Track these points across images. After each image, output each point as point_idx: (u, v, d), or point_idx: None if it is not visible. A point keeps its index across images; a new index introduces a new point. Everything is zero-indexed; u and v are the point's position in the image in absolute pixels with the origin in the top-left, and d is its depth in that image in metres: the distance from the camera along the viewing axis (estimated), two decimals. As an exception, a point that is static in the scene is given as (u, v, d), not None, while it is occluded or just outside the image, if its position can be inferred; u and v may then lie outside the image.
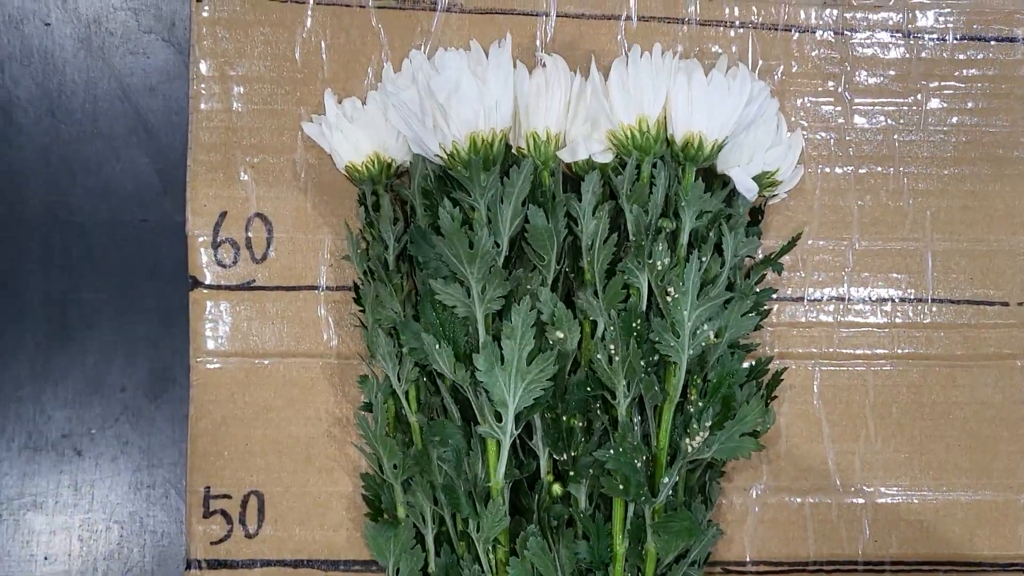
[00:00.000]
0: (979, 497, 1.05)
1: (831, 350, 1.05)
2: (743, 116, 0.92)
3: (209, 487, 1.02)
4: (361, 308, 0.99)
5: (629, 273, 0.91)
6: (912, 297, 1.05)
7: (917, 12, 1.05)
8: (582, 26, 1.03)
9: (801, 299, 1.05)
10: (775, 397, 1.02)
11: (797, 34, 1.05)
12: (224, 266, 1.02)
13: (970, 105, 1.06)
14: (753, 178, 0.95)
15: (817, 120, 1.05)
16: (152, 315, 1.06)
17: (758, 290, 1.00)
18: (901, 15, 1.05)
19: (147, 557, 1.05)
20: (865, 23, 1.05)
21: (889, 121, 1.05)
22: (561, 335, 0.91)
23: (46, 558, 1.05)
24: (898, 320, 1.05)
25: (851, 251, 1.05)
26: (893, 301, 1.05)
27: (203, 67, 1.03)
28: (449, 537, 0.96)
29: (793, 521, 1.04)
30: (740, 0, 1.04)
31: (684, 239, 0.92)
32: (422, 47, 1.02)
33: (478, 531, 0.91)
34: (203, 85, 1.03)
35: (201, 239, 1.02)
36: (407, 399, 0.96)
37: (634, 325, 0.91)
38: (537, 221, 0.91)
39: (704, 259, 0.91)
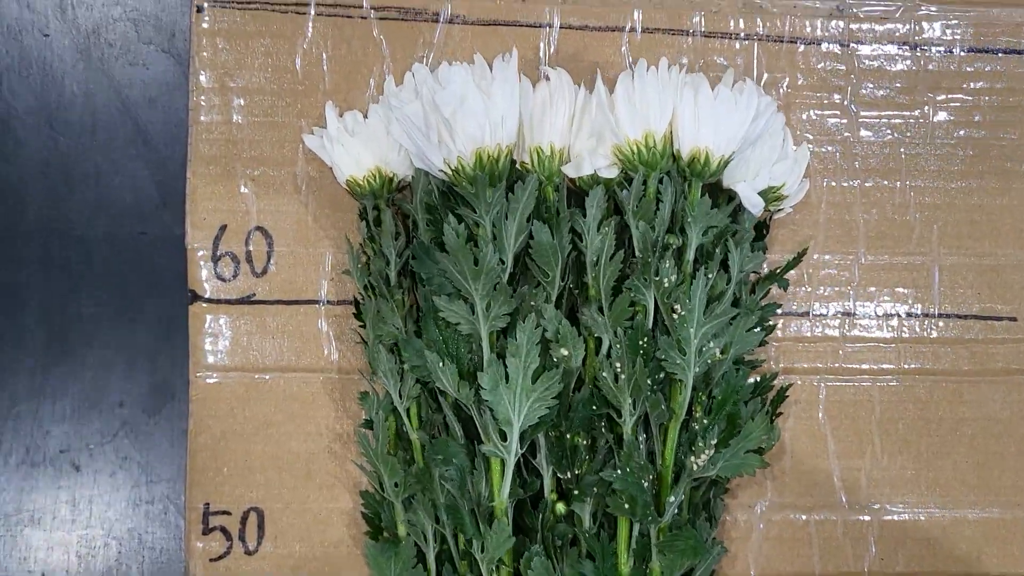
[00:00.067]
0: (987, 514, 1.04)
1: (837, 365, 1.04)
2: (750, 131, 0.91)
3: (208, 503, 1.01)
4: (362, 324, 0.98)
5: (636, 290, 0.90)
6: (919, 312, 1.04)
7: (924, 24, 1.04)
8: (586, 38, 1.02)
9: (806, 314, 1.04)
10: (780, 414, 1.01)
11: (803, 46, 1.04)
12: (224, 280, 1.01)
13: (977, 118, 1.05)
14: (759, 193, 0.95)
15: (823, 133, 1.04)
16: (151, 329, 1.05)
17: (763, 305, 0.98)
18: (908, 27, 1.04)
19: (145, 574, 1.04)
20: (871, 35, 1.04)
21: (896, 134, 1.04)
22: (566, 352, 0.90)
23: (43, 575, 1.04)
24: (905, 335, 1.04)
25: (857, 265, 1.04)
26: (899, 316, 1.04)
27: (203, 78, 1.01)
28: (451, 556, 0.95)
29: (798, 538, 1.03)
30: (745, 12, 1.03)
31: (690, 255, 0.92)
32: (424, 58, 1.02)
33: (482, 551, 0.90)
34: (203, 97, 1.02)
35: (201, 252, 1.01)
36: (408, 416, 0.95)
37: (641, 343, 0.90)
38: (542, 237, 0.90)
39: (710, 276, 0.90)
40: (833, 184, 1.04)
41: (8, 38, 1.05)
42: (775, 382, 1.00)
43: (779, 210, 1.00)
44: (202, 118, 1.01)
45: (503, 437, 0.89)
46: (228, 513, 1.01)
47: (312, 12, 1.02)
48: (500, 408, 0.88)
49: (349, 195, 0.99)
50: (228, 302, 1.01)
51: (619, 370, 0.89)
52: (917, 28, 1.04)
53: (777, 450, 1.03)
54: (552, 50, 1.02)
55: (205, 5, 1.01)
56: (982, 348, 1.04)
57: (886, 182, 1.04)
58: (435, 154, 0.91)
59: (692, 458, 0.91)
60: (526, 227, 0.91)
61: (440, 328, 0.92)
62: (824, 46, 1.04)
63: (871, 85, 1.04)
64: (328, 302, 1.02)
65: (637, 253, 0.91)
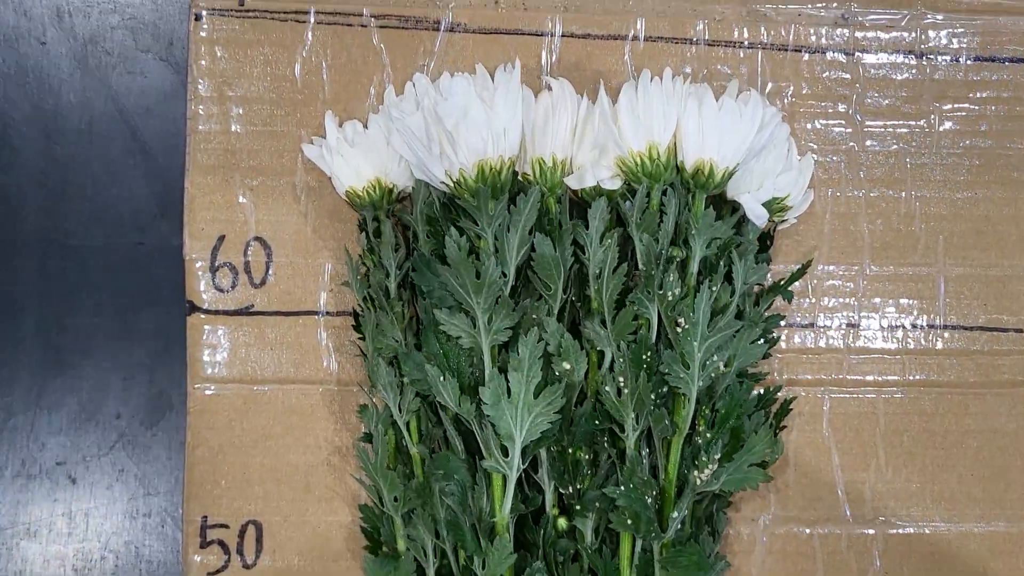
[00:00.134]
0: (992, 528, 1.03)
1: (841, 377, 1.03)
2: (755, 143, 0.91)
3: (206, 516, 1.00)
4: (361, 336, 0.97)
5: (639, 304, 0.90)
6: (924, 323, 1.03)
7: (930, 32, 1.03)
8: (588, 46, 1.02)
9: (810, 325, 1.03)
10: (784, 427, 1.00)
11: (807, 55, 1.03)
12: (222, 291, 1.00)
13: (984, 127, 1.04)
14: (763, 204, 0.94)
15: (827, 142, 1.03)
16: (148, 340, 1.05)
17: (767, 317, 0.98)
18: (913, 35, 1.03)
19: (143, 588, 1.04)
20: (877, 44, 1.03)
21: (901, 144, 1.04)
22: (568, 366, 0.89)
23: (39, 588, 1.03)
24: (910, 347, 1.03)
25: (862, 276, 1.03)
26: (904, 327, 1.03)
27: (201, 87, 1.01)
28: (451, 572, 0.94)
29: (802, 552, 1.02)
30: (749, 21, 1.02)
31: (694, 268, 0.91)
32: (425, 67, 1.01)
33: (483, 568, 0.89)
34: (201, 106, 1.01)
35: (199, 263, 1.00)
36: (408, 430, 0.95)
37: (644, 357, 0.89)
38: (544, 250, 0.89)
39: (714, 288, 0.90)
40: (838, 194, 1.03)
41: (4, 46, 1.04)
42: (779, 394, 0.99)
43: (783, 221, 0.99)
44: (200, 127, 1.00)
45: (504, 452, 0.88)
46: (226, 526, 1.00)
47: (312, 20, 1.01)
48: (502, 423, 0.87)
49: (348, 206, 0.98)
50: (226, 313, 1.00)
51: (622, 384, 0.89)
52: (923, 37, 1.03)
53: (781, 463, 1.02)
54: (554, 59, 1.01)
55: (204, 13, 1.00)
56: (988, 360, 1.03)
57: (891, 192, 1.03)
58: (436, 166, 0.90)
59: (695, 472, 0.90)
60: (528, 239, 0.90)
61: (441, 341, 0.91)
62: (829, 55, 1.03)
63: (876, 94, 1.03)
64: (327, 313, 1.01)
65: (640, 266, 0.90)
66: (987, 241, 1.03)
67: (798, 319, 1.03)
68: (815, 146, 1.03)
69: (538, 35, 1.02)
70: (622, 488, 0.88)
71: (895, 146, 1.03)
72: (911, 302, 1.03)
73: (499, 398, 0.87)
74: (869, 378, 1.03)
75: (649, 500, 0.88)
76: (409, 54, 1.01)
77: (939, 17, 1.03)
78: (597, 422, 0.90)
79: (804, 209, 1.00)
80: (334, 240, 1.01)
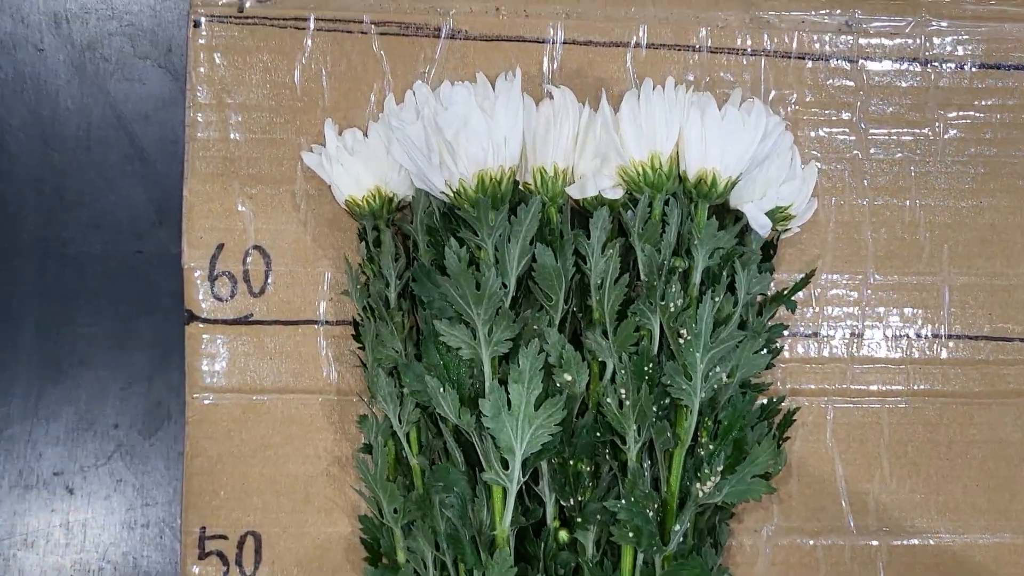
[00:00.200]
0: (998, 539, 1.02)
1: (845, 387, 1.02)
2: (758, 152, 0.90)
3: (205, 527, 0.99)
4: (361, 346, 0.96)
5: (641, 315, 0.89)
6: (928, 333, 1.03)
7: (934, 39, 1.03)
8: (590, 53, 1.01)
9: (814, 335, 1.02)
10: (787, 438, 0.99)
11: (811, 62, 1.02)
12: (221, 299, 1.00)
13: (989, 135, 1.03)
14: (766, 213, 0.93)
15: (831, 150, 1.02)
16: (147, 350, 1.04)
17: (770, 327, 0.97)
18: (918, 42, 1.03)
19: (141, 599, 1.03)
20: (881, 51, 1.02)
21: (905, 152, 1.03)
22: (569, 378, 0.89)
23: (37, 599, 1.03)
24: (914, 356, 1.02)
25: (866, 285, 1.02)
26: (909, 337, 1.02)
27: (200, 94, 1.00)
28: (452, 583, 0.93)
29: (805, 563, 1.01)
30: (752, 27, 1.01)
31: (696, 278, 0.90)
32: (425, 75, 1.00)
33: (483, 580, 0.89)
34: (200, 113, 1.00)
35: (197, 272, 0.99)
36: (408, 441, 0.94)
37: (646, 369, 0.88)
38: (545, 260, 0.89)
39: (717, 299, 0.89)
40: (842, 203, 1.02)
41: (1, 53, 1.04)
42: (782, 405, 0.98)
43: (787, 230, 0.98)
44: (199, 135, 1.00)
45: (505, 465, 0.87)
46: (225, 537, 0.99)
47: (311, 27, 1.00)
48: (502, 435, 0.86)
49: (348, 215, 0.98)
50: (225, 322, 1.00)
51: (624, 396, 0.88)
52: (927, 44, 1.03)
53: (784, 473, 1.01)
54: (556, 66, 1.01)
55: (202, 20, 0.99)
56: (993, 370, 1.02)
57: (895, 200, 1.02)
58: (436, 176, 0.89)
59: (698, 485, 0.89)
60: (529, 250, 0.89)
61: (441, 352, 0.90)
62: (832, 62, 1.02)
63: (880, 102, 1.03)
64: (327, 322, 1.00)
65: (642, 277, 0.89)
66: (992, 250, 1.03)
67: (801, 328, 1.02)
68: (819, 154, 1.02)
69: (540, 42, 1.01)
70: (623, 501, 0.87)
71: (899, 154, 1.03)
72: (915, 311, 1.03)
73: (499, 410, 0.86)
74: (873, 388, 1.02)
75: (651, 513, 0.88)
76: (409, 61, 1.00)
77: (944, 24, 1.03)
78: (599, 434, 0.90)
79: (808, 218, 0.99)
80: (334, 249, 1.00)
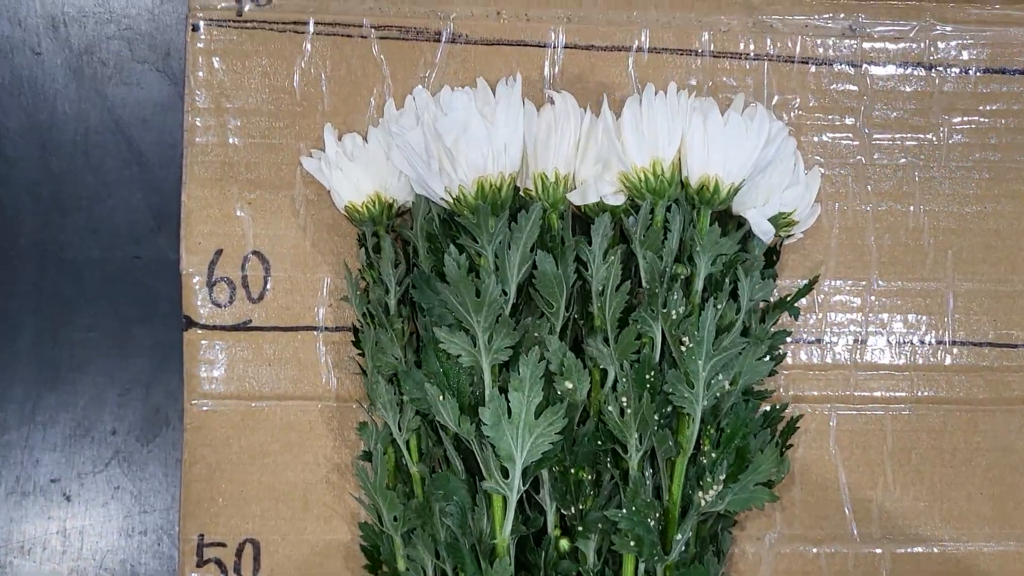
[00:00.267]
0: (1003, 548, 1.01)
1: (848, 393, 1.01)
2: (761, 158, 0.89)
3: (203, 535, 0.99)
4: (360, 352, 0.96)
5: (643, 322, 0.88)
6: (932, 339, 1.02)
7: (939, 44, 1.02)
8: (592, 58, 1.00)
9: (817, 341, 1.01)
10: (791, 446, 0.99)
11: (814, 67, 1.01)
12: (219, 305, 0.99)
13: (993, 140, 1.02)
14: (769, 219, 0.92)
15: (834, 156, 1.02)
16: (145, 356, 1.04)
17: (773, 333, 0.96)
18: (922, 47, 1.02)
19: (138, 607, 1.03)
20: (885, 55, 1.02)
21: (909, 157, 1.02)
22: (570, 385, 0.88)
23: (34, 607, 1.02)
24: (918, 363, 1.02)
25: (869, 292, 1.02)
26: (912, 343, 1.02)
27: (198, 99, 0.99)
28: (452, 593, 0.93)
29: (808, 571, 1.01)
30: (755, 32, 1.01)
31: (699, 285, 0.89)
32: (426, 79, 0.99)
33: (483, 590, 0.88)
34: (198, 117, 0.99)
35: (196, 278, 0.99)
36: (408, 449, 0.93)
37: (647, 377, 0.87)
38: (546, 267, 0.88)
39: (719, 306, 0.88)
40: (845, 208, 1.02)
41: (-2, 57, 1.03)
42: (785, 412, 0.98)
43: (789, 236, 0.98)
44: (197, 139, 0.99)
45: (505, 474, 0.87)
46: (223, 545, 0.99)
47: (311, 31, 1.00)
48: (502, 444, 0.85)
49: (348, 220, 0.97)
50: (224, 328, 0.99)
51: (625, 404, 0.87)
52: (931, 48, 1.02)
53: (786, 481, 1.00)
54: (557, 70, 1.00)
55: (201, 24, 0.99)
56: (998, 376, 1.02)
57: (899, 206, 1.02)
58: (436, 182, 0.89)
59: (700, 493, 0.89)
60: (529, 257, 0.88)
61: (441, 359, 0.89)
62: (836, 66, 1.02)
63: (884, 107, 1.02)
64: (326, 328, 1.00)
65: (644, 284, 0.89)
66: (997, 256, 1.02)
67: (804, 335, 1.01)
68: (822, 159, 1.01)
69: (541, 46, 1.00)
70: (624, 510, 0.87)
71: (903, 159, 1.02)
72: (919, 317, 1.02)
73: (499, 418, 0.85)
74: (877, 394, 1.02)
75: (652, 522, 0.87)
76: (410, 66, 1.00)
77: (948, 28, 1.02)
78: (600, 442, 0.89)
79: (811, 224, 0.98)
80: (333, 254, 0.99)
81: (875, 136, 1.02)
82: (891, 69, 1.02)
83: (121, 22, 1.03)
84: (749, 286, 0.90)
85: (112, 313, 1.03)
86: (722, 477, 0.89)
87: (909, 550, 1.01)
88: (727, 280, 0.90)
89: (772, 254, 0.98)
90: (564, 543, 0.91)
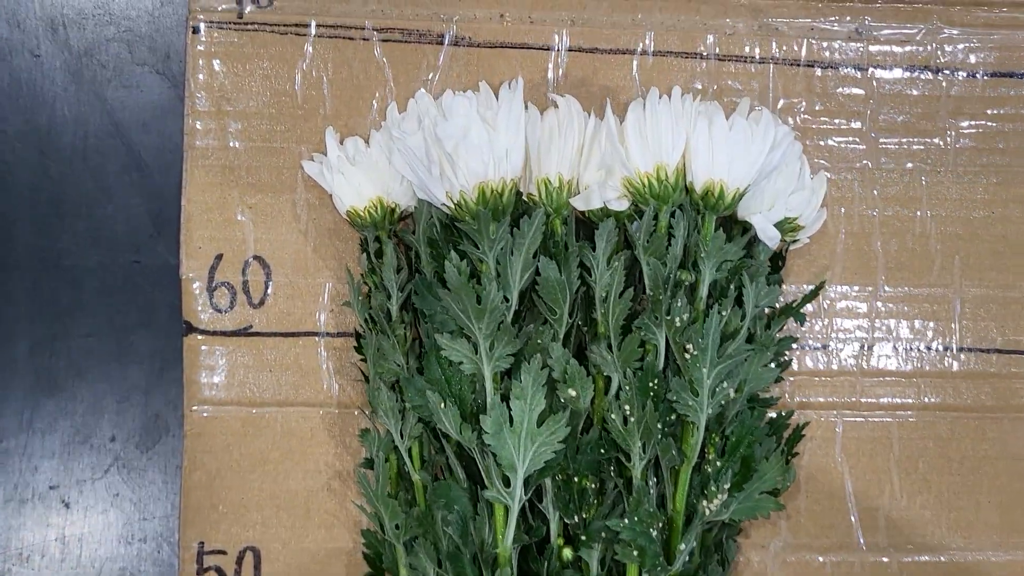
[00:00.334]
0: (1011, 557, 1.00)
1: (854, 400, 1.01)
2: (766, 163, 0.88)
3: (203, 542, 0.98)
4: (362, 357, 0.95)
5: (646, 329, 0.87)
6: (939, 346, 1.01)
7: (946, 47, 1.01)
8: (595, 61, 1.00)
9: (823, 347, 1.01)
10: (796, 454, 0.98)
11: (820, 70, 1.01)
12: (220, 311, 0.98)
13: (1001, 145, 1.01)
14: (775, 224, 0.91)
15: (841, 160, 1.01)
16: (144, 362, 1.03)
17: (779, 340, 0.96)
18: (929, 50, 1.01)
19: (137, 615, 1.02)
20: (891, 58, 1.01)
21: (916, 161, 1.01)
22: (574, 393, 0.87)
23: (32, 615, 1.02)
24: (925, 369, 1.01)
25: (876, 297, 1.01)
26: (919, 349, 1.01)
27: (199, 102, 0.98)
28: (454, 602, 0.92)
29: (814, 580, 1.00)
30: (760, 35, 1.00)
31: (703, 292, 0.89)
32: (429, 82, 0.99)
33: (485, 599, 0.88)
34: (199, 121, 0.98)
35: (196, 283, 0.98)
36: (410, 456, 0.93)
37: (651, 385, 0.87)
38: (549, 274, 0.87)
39: (724, 313, 0.87)
40: (851, 213, 1.01)
41: (-3, 60, 1.03)
42: (791, 419, 0.97)
43: (795, 241, 0.97)
44: (197, 143, 0.98)
45: (507, 483, 0.86)
46: (223, 552, 0.98)
47: (312, 33, 0.99)
48: (503, 453, 0.85)
49: (350, 225, 0.96)
50: (224, 334, 0.98)
51: (628, 413, 0.87)
52: (938, 51, 1.01)
53: (792, 488, 0.99)
54: (560, 73, 0.99)
55: (201, 26, 0.98)
56: (1005, 383, 1.01)
57: (906, 211, 1.01)
58: (437, 187, 0.88)
59: (704, 502, 0.88)
60: (532, 263, 0.88)
61: (443, 367, 0.89)
62: (842, 70, 1.01)
63: (891, 110, 1.01)
64: (327, 334, 0.99)
65: (648, 290, 0.88)
66: (1005, 261, 1.01)
67: (810, 341, 1.01)
68: (828, 164, 1.01)
69: (544, 49, 1.00)
70: (627, 520, 0.86)
71: (910, 164, 1.01)
72: (926, 324, 1.01)
73: (501, 427, 0.84)
74: (883, 401, 1.01)
75: (655, 532, 0.86)
76: (412, 69, 0.99)
77: (955, 31, 1.01)
78: (603, 451, 0.88)
79: (817, 228, 0.98)
80: (335, 259, 0.99)
81: (881, 140, 1.01)
82: (898, 72, 1.01)
83: (121, 24, 1.03)
84: (754, 292, 0.89)
85: (111, 319, 1.03)
86: (727, 486, 0.88)
87: (916, 559, 1.00)
88: (732, 286, 0.90)
89: (777, 259, 0.97)
90: (567, 552, 0.90)
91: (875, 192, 1.01)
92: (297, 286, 0.99)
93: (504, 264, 0.87)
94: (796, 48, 1.00)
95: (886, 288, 1.01)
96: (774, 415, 0.96)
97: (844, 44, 1.01)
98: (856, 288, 1.01)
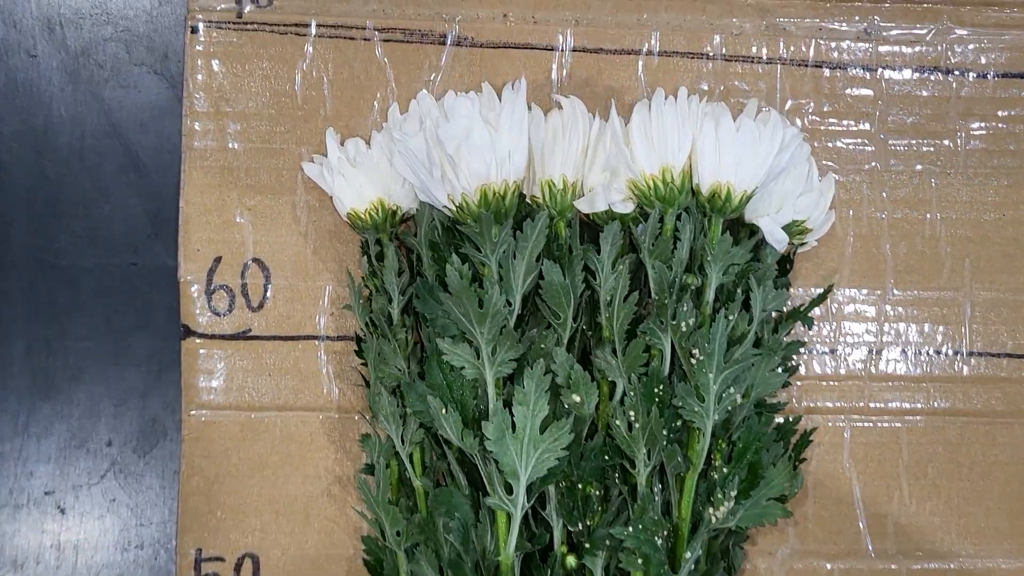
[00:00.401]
0: (1022, 564, 0.99)
1: (863, 405, 1.00)
2: (774, 165, 0.87)
3: (201, 549, 0.97)
4: (363, 362, 0.94)
5: (651, 334, 0.86)
6: (949, 350, 1.00)
7: (956, 47, 1.00)
8: (600, 61, 0.99)
9: (831, 351, 1.00)
10: (804, 460, 0.97)
11: (828, 71, 1.00)
12: (218, 314, 0.97)
13: (1012, 146, 1.00)
14: (783, 227, 0.90)
15: (849, 162, 1.00)
16: (142, 365, 1.02)
17: (786, 344, 0.94)
18: (939, 50, 1.00)
19: (135, 623, 1.01)
20: (900, 59, 1.00)
21: (925, 163, 1.00)
22: (578, 399, 0.86)
23: (28, 622, 1.01)
24: (934, 374, 1.00)
25: (885, 301, 1.00)
26: (929, 354, 1.00)
27: (197, 102, 0.97)
28: (456, 610, 0.91)
29: (821, 588, 0.99)
30: (768, 35, 0.99)
31: (710, 296, 0.87)
32: (431, 83, 0.98)
33: (487, 608, 0.86)
34: (197, 121, 0.97)
35: (194, 286, 0.97)
36: (411, 462, 0.92)
37: (656, 390, 0.86)
38: (553, 277, 0.86)
39: (731, 317, 0.86)
40: (860, 215, 1.00)
41: (-7, 59, 1.02)
42: (799, 425, 0.96)
43: (803, 244, 0.96)
44: (196, 144, 0.97)
45: (509, 490, 0.85)
46: (222, 559, 0.97)
47: (312, 33, 0.98)
48: (506, 459, 0.84)
49: (350, 227, 0.95)
50: (223, 337, 0.97)
51: (633, 419, 0.86)
52: (948, 52, 1.00)
53: (799, 494, 0.99)
54: (565, 74, 0.98)
55: (200, 25, 0.97)
56: (1016, 388, 1.00)
57: (915, 213, 1.00)
58: (438, 189, 0.87)
59: (711, 510, 0.87)
60: (535, 266, 0.87)
61: (444, 371, 0.88)
62: (851, 70, 1.00)
63: (900, 112, 1.00)
64: (327, 338, 0.98)
65: (653, 295, 0.87)
66: (1016, 264, 1.00)
67: (818, 345, 0.99)
68: (836, 166, 1.00)
69: (548, 49, 0.99)
70: (631, 528, 0.85)
71: (919, 166, 1.00)
72: (936, 327, 1.00)
73: (503, 433, 0.83)
74: (892, 406, 1.00)
75: (659, 541, 0.85)
76: (414, 69, 0.98)
77: (965, 32, 1.00)
78: (607, 457, 0.87)
79: (825, 231, 0.97)
80: (335, 262, 0.98)
81: (891, 142, 1.00)
82: (907, 73, 1.00)
83: (118, 24, 1.02)
84: (762, 296, 0.88)
85: (108, 321, 1.02)
86: (733, 493, 0.87)
87: (925, 566, 0.99)
88: (739, 290, 0.89)
89: (785, 263, 0.96)
90: (571, 560, 0.89)
91: (884, 194, 1.00)
92: (297, 289, 0.98)
93: (507, 267, 0.86)
94: (804, 48, 0.99)
95: (895, 291, 1.00)
96: (781, 420, 0.95)
97: (853, 44, 1.00)
98: (865, 291, 1.00)
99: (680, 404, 0.85)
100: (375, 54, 0.98)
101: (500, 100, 0.88)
